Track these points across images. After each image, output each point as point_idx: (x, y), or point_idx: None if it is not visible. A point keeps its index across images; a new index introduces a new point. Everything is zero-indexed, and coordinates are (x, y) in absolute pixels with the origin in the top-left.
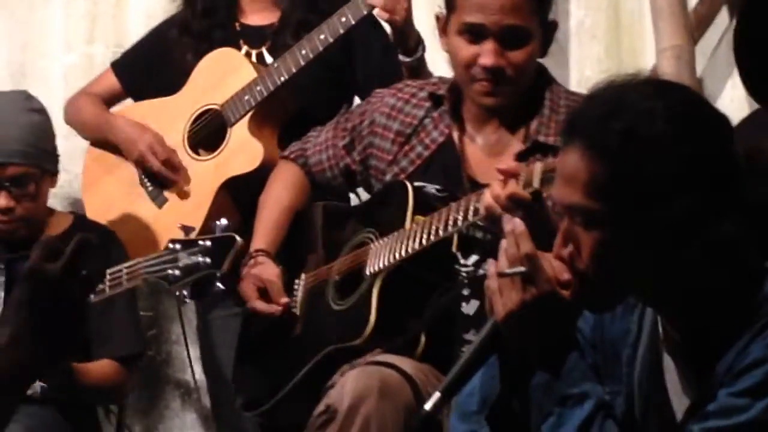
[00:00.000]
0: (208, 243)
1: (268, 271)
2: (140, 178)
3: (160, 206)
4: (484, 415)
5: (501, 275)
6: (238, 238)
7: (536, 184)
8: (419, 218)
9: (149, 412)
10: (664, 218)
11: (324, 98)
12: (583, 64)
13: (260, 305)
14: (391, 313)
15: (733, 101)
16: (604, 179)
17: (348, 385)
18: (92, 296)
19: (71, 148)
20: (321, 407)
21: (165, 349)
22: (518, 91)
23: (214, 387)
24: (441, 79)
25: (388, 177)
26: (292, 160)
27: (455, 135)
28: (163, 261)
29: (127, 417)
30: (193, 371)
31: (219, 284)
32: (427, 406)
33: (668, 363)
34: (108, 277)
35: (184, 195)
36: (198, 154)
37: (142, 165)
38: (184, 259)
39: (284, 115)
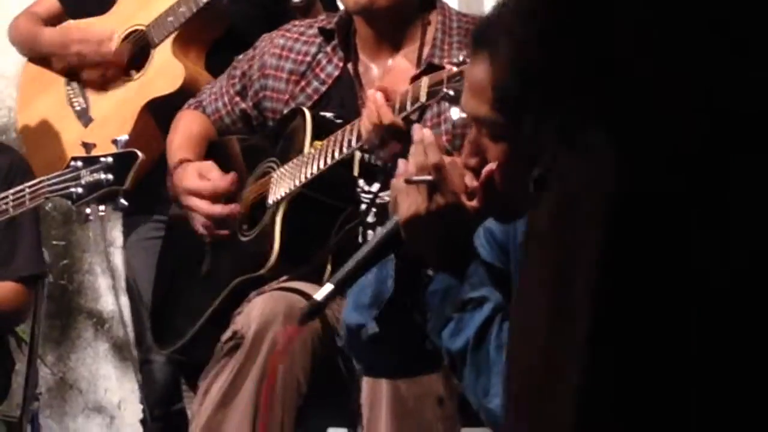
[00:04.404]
0: (110, 159)
1: (203, 163)
2: (68, 97)
3: (85, 125)
4: (374, 314)
5: (408, 182)
6: (139, 153)
7: (423, 98)
8: (318, 143)
9: (61, 342)
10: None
11: (256, 20)
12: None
13: (207, 207)
14: (295, 240)
15: None
16: (510, 92)
17: (255, 311)
18: None
19: None
20: (228, 333)
21: (77, 279)
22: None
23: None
24: (329, 15)
25: None
26: (192, 110)
27: (350, 67)
28: (65, 179)
29: (39, 347)
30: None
31: (122, 200)
32: (318, 296)
33: None
34: (11, 197)
35: (109, 115)
36: (126, 74)
37: (78, 64)
38: (87, 177)
39: (210, 37)
